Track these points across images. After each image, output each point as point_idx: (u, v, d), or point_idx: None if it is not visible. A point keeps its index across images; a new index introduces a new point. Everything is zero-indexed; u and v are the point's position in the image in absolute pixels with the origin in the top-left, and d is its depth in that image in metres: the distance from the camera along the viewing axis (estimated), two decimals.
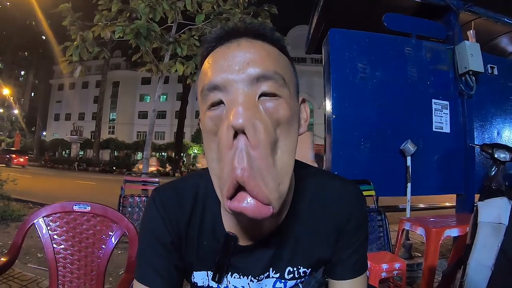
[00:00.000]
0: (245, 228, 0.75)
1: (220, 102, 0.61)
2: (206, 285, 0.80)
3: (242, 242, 0.76)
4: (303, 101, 0.75)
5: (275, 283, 0.79)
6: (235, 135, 0.56)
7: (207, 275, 0.79)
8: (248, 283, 0.78)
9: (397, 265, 2.46)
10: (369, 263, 2.35)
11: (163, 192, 0.81)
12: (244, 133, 0.55)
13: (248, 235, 0.76)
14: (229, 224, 0.76)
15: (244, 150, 0.55)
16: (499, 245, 1.36)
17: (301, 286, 0.82)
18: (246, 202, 0.56)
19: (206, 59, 0.67)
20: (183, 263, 0.79)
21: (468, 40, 3.93)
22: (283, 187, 0.61)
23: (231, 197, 0.58)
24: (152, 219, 0.78)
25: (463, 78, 3.87)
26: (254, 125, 0.55)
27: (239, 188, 0.57)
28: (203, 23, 5.53)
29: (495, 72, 4.14)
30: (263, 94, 0.61)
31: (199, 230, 0.78)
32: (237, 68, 0.60)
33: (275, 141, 0.60)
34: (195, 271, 0.80)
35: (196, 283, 0.81)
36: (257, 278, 0.78)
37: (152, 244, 0.76)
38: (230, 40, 0.65)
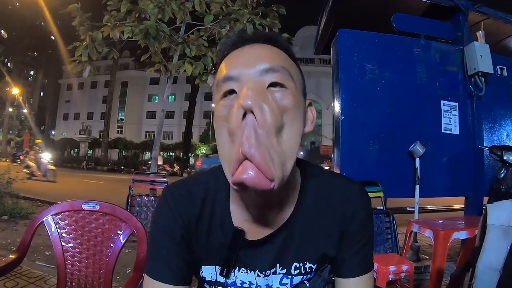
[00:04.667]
0: (253, 223, 0.78)
1: (233, 92, 0.67)
2: (214, 280, 0.82)
3: (250, 237, 0.79)
4: (310, 104, 0.80)
5: (281, 279, 0.81)
6: (244, 115, 0.60)
7: (215, 270, 0.82)
8: (255, 278, 0.80)
9: (404, 268, 2.45)
10: (376, 265, 2.35)
11: (174, 189, 0.84)
12: (252, 113, 0.60)
13: (256, 230, 0.79)
14: (238, 220, 0.79)
15: (252, 128, 0.59)
16: (508, 247, 1.35)
17: (307, 284, 0.83)
18: (247, 174, 0.58)
19: (223, 61, 0.73)
20: (192, 258, 0.81)
21: (477, 41, 3.91)
22: (286, 169, 0.65)
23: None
24: (163, 216, 0.81)
25: (472, 79, 3.85)
26: (261, 106, 0.60)
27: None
28: (212, 24, 5.53)
29: (505, 73, 4.12)
30: (271, 85, 0.66)
31: (208, 225, 0.81)
32: (249, 63, 0.67)
33: (281, 125, 0.64)
34: (204, 265, 0.83)
35: (205, 278, 0.83)
36: (264, 273, 0.80)
37: (163, 240, 0.79)
38: (245, 44, 0.72)
